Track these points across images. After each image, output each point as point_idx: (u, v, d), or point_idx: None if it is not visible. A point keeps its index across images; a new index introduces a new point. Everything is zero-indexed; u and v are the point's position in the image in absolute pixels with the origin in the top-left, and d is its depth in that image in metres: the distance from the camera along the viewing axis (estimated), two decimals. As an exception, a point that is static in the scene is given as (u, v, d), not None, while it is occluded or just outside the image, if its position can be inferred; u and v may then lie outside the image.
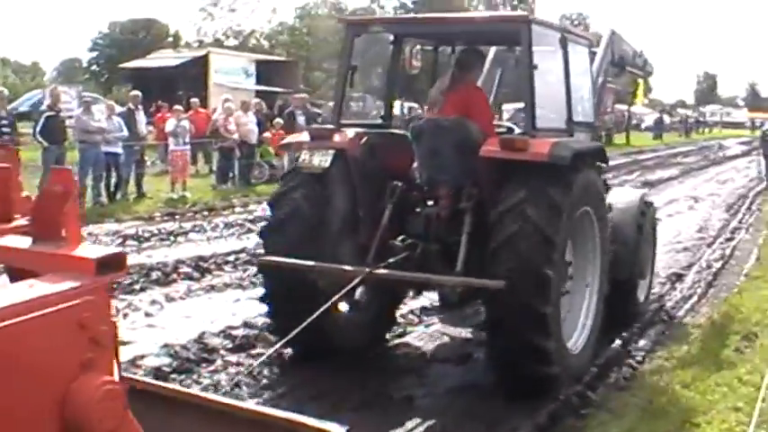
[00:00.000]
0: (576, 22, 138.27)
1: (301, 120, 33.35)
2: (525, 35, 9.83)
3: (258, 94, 48.25)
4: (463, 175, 9.96)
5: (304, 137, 10.74)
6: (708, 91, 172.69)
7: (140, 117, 28.42)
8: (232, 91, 42.29)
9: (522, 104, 10.99)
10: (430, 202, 10.51)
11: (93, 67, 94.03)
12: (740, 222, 24.73)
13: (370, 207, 10.29)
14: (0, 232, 3.59)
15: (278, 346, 8.59)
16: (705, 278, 16.44)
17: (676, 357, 11.29)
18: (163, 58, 65.41)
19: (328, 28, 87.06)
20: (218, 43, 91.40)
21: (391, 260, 9.69)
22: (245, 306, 13.31)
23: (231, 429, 3.86)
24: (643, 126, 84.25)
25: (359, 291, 10.19)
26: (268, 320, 10.97)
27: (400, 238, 10.08)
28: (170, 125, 28.39)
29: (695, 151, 61.15)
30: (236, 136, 29.10)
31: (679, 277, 16.31)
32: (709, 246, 20.17)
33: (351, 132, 10.45)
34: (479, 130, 10.00)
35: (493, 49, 12.67)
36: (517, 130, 11.15)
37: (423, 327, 12.61)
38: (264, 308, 10.70)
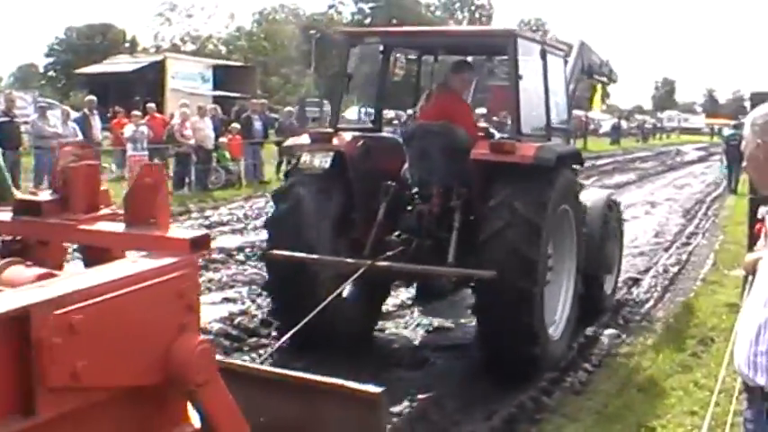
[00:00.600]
0: (534, 28, 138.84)
1: (258, 125, 33.31)
2: (511, 48, 10.73)
3: (215, 99, 48.13)
4: (452, 176, 10.76)
5: (305, 139, 11.51)
6: (666, 97, 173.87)
7: (96, 122, 28.29)
8: (189, 96, 42.11)
9: (484, 111, 11.72)
10: (419, 201, 11.15)
11: (50, 73, 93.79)
12: (697, 227, 24.84)
13: (366, 205, 10.99)
14: (93, 220, 4.17)
15: (290, 333, 8.68)
16: (662, 283, 16.47)
17: (632, 361, 11.30)
18: (119, 64, 65.13)
19: (286, 33, 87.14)
20: (175, 48, 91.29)
21: (389, 253, 10.38)
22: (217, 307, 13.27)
23: (279, 395, 4.42)
24: (600, 131, 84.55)
25: (349, 284, 10.51)
26: (257, 314, 12.22)
27: (396, 233, 10.82)
28: (128, 131, 28.26)
29: (653, 156, 61.37)
30: (192, 141, 28.92)
31: (636, 282, 16.32)
32: (665, 250, 20.23)
33: (348, 136, 11.22)
34: (465, 134, 10.85)
35: (469, 59, 12.96)
36: (497, 135, 11.78)
37: (408, 317, 13.27)
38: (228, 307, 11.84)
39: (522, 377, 10.05)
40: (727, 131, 42.06)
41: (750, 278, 5.19)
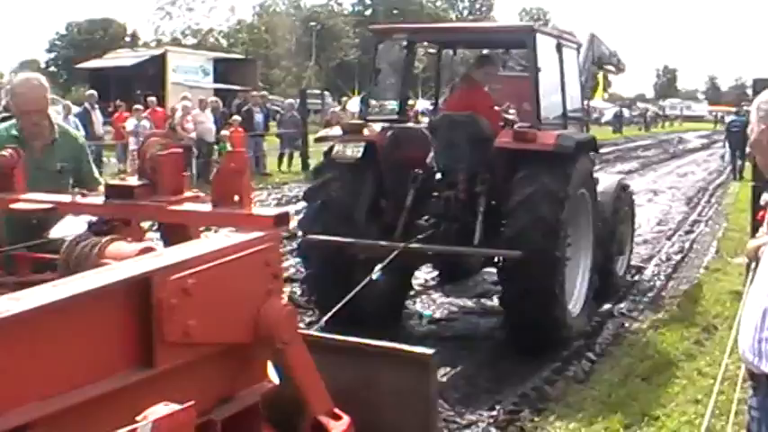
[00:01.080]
0: (536, 17, 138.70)
1: (259, 117, 33.26)
2: (531, 42, 11.50)
3: (216, 92, 48.03)
4: (476, 163, 11.43)
5: (337, 131, 12.18)
6: (668, 85, 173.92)
7: (97, 117, 28.24)
8: (190, 90, 42.02)
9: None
10: (446, 187, 11.72)
11: (51, 68, 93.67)
12: (700, 215, 24.81)
13: (395, 192, 11.58)
14: (179, 201, 4.95)
15: (334, 310, 8.72)
16: (665, 271, 16.44)
17: (635, 350, 11.27)
18: (120, 58, 65.04)
19: (286, 25, 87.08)
20: (176, 42, 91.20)
21: (420, 236, 11.06)
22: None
23: (338, 359, 4.92)
24: (603, 120, 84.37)
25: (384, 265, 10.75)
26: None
27: (425, 217, 11.54)
28: (130, 124, 28.26)
29: (655, 145, 61.28)
30: (193, 135, 28.87)
31: (639, 270, 16.25)
32: (668, 238, 20.19)
33: (378, 126, 11.89)
34: (489, 124, 11.59)
35: (484, 51, 13.87)
36: (517, 124, 11.99)
37: (433, 296, 14.03)
38: None
39: (544, 344, 10.81)
40: (729, 118, 42.06)
41: (753, 265, 5.15)
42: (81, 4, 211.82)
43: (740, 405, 6.83)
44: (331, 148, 11.62)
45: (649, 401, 9.30)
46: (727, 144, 38.67)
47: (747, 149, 33.94)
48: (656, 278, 15.79)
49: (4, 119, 24.28)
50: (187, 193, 5.16)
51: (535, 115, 11.42)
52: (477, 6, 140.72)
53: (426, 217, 11.53)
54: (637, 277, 15.65)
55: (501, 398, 9.32)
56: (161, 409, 3.25)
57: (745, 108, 54.12)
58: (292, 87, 73.57)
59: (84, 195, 5.51)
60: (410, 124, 13.08)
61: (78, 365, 3.44)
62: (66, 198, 5.58)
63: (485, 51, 13.84)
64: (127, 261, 4.06)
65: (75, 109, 28.50)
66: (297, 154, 34.77)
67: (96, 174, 7.95)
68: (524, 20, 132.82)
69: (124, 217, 5.08)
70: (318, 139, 13.45)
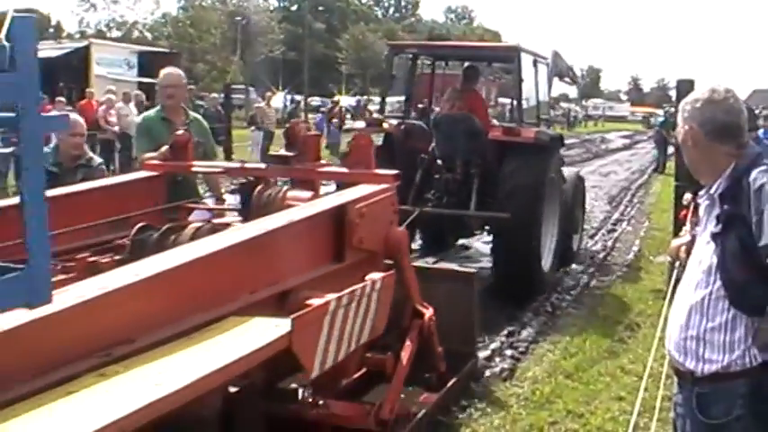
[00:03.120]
0: (461, 16, 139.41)
1: (183, 111, 32.87)
2: (516, 59, 14.58)
3: (140, 85, 47.55)
4: (471, 152, 14.39)
5: (361, 124, 15.43)
6: (591, 85, 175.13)
7: (19, 108, 27.78)
8: (114, 82, 41.57)
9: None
10: (446, 171, 14.67)
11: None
12: (622, 215, 25.05)
13: (406, 173, 12.70)
14: (321, 166, 8.34)
15: None
16: (588, 269, 16.58)
17: (560, 348, 11.33)
18: (44, 50, 63.87)
19: (212, 20, 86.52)
20: (100, 34, 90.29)
21: (430, 205, 14.09)
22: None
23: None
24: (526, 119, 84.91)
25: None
26: None
27: (431, 192, 14.41)
28: (52, 117, 27.77)
29: (578, 144, 61.58)
30: (116, 128, 28.55)
31: (562, 268, 16.32)
32: (591, 237, 20.27)
33: (393, 121, 15.01)
34: (480, 122, 14.62)
35: (466, 64, 16.66)
36: (497, 123, 16.42)
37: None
38: None
39: (524, 291, 13.60)
40: (660, 119, 42.93)
41: (676, 264, 5.21)
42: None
43: (664, 402, 6.90)
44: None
45: (574, 399, 9.35)
46: (654, 142, 39.62)
47: (671, 149, 34.38)
48: (579, 276, 15.90)
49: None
50: (323, 161, 8.66)
51: (518, 116, 14.97)
52: (403, 4, 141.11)
53: (433, 191, 14.35)
54: (560, 276, 15.72)
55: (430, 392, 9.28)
56: (376, 275, 6.33)
57: (666, 108, 54.85)
58: (217, 82, 73.04)
59: (243, 162, 9.32)
60: (415, 121, 15.70)
61: (305, 259, 6.32)
62: (234, 165, 9.12)
63: (469, 63, 16.51)
64: (328, 197, 7.31)
65: (-3, 101, 28.11)
66: (221, 149, 34.58)
67: (216, 149, 11.00)
68: (449, 16, 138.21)
69: (282, 177, 8.45)
70: (346, 130, 17.03)
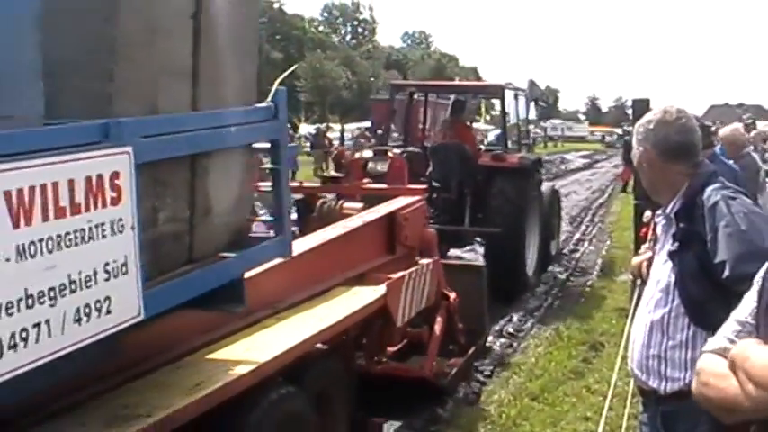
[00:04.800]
0: (418, 41, 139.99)
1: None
2: (501, 95, 17.99)
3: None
4: (463, 175, 16.31)
5: (368, 153, 16.01)
6: (550, 106, 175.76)
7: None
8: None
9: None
10: (442, 192, 16.30)
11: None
12: (584, 234, 25.19)
13: None
14: (364, 184, 12.18)
15: None
16: (551, 290, 16.64)
17: (524, 370, 11.34)
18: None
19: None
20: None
21: (430, 221, 14.32)
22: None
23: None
24: (486, 142, 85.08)
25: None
26: None
27: (431, 210, 14.29)
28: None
29: (538, 166, 61.84)
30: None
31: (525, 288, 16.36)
32: (553, 257, 20.29)
33: (397, 150, 16.16)
34: (470, 149, 16.90)
35: (452, 97, 19.35)
36: (484, 149, 19.01)
37: None
38: None
39: (512, 292, 15.55)
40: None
41: (638, 282, 5.23)
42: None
43: (630, 420, 6.90)
44: (365, 164, 14.74)
45: (540, 420, 9.36)
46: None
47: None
48: (543, 297, 15.94)
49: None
50: (366, 180, 12.32)
51: (503, 143, 17.53)
52: (360, 31, 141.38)
53: (432, 210, 14.47)
54: (523, 297, 15.75)
55: (390, 418, 9.26)
56: (426, 260, 9.41)
57: (625, 127, 55.02)
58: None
59: (302, 183, 12.48)
60: (413, 148, 17.26)
61: (372, 250, 8.95)
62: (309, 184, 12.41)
63: (456, 97, 18.93)
64: (380, 206, 9.75)
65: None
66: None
67: None
68: (406, 41, 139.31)
69: (334, 193, 11.41)
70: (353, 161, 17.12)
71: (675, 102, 4.71)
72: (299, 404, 6.32)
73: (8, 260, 3.48)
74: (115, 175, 4.05)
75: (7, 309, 3.47)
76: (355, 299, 7.63)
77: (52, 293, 3.71)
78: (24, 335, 3.57)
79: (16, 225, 3.50)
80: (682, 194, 4.56)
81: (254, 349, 5.94)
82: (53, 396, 4.54)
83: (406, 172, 14.24)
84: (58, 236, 3.72)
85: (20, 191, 3.50)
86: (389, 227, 9.38)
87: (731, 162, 10.19)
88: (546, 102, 24.57)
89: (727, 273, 4.18)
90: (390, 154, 15.71)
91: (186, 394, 4.95)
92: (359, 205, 9.69)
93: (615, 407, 7.94)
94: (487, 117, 57.54)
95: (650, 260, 5.06)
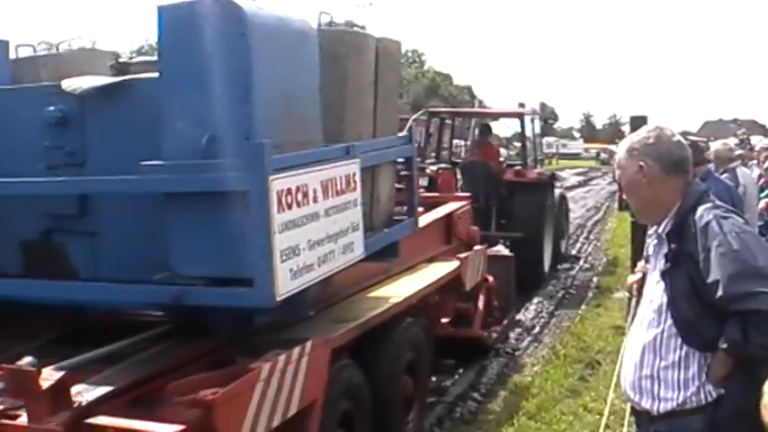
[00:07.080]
0: (411, 60, 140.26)
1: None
2: (521, 119, 21.01)
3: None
4: (489, 189, 18.91)
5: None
6: (544, 122, 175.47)
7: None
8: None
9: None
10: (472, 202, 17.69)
11: None
12: (579, 252, 25.09)
13: None
14: (441, 194, 15.34)
15: None
16: (547, 308, 16.64)
17: (521, 389, 11.34)
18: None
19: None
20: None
21: None
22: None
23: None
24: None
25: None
26: None
27: None
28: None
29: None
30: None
31: (521, 308, 16.34)
32: (549, 275, 20.28)
33: (434, 167, 18.29)
34: (495, 166, 19.96)
35: (473, 121, 24.75)
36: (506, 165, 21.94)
37: None
38: None
39: (534, 286, 18.24)
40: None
41: (634, 299, 5.23)
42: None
43: (626, 440, 6.88)
44: None
45: (537, 439, 9.33)
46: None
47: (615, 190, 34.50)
48: (539, 315, 15.94)
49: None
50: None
51: (524, 161, 20.55)
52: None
53: None
54: (520, 315, 15.74)
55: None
56: (478, 247, 12.34)
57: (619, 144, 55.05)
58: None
59: None
60: (445, 165, 19.55)
61: (435, 242, 11.59)
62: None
63: (484, 122, 23.24)
64: (440, 208, 12.32)
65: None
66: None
67: None
68: (402, 60, 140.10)
69: (426, 201, 12.72)
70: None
71: (670, 117, 4.71)
72: (419, 332, 9.37)
73: (320, 216, 6.45)
74: (354, 174, 7.12)
75: (319, 242, 6.43)
76: (439, 269, 10.57)
77: (335, 237, 6.72)
78: (324, 258, 6.54)
79: (325, 197, 6.54)
80: (674, 214, 4.56)
81: (392, 294, 8.87)
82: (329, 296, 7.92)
83: (454, 183, 18.34)
84: (335, 206, 6.72)
85: (322, 181, 6.51)
86: (447, 224, 12.09)
87: (725, 176, 10.25)
88: (554, 118, 27.20)
89: (720, 293, 4.19)
90: (428, 170, 17.95)
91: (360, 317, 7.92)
92: (420, 209, 10.55)
93: (612, 425, 7.89)
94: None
95: (644, 278, 5.06)
